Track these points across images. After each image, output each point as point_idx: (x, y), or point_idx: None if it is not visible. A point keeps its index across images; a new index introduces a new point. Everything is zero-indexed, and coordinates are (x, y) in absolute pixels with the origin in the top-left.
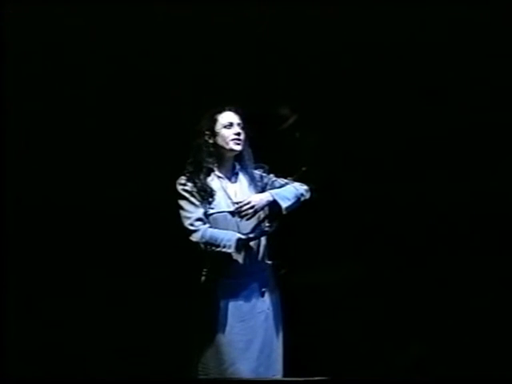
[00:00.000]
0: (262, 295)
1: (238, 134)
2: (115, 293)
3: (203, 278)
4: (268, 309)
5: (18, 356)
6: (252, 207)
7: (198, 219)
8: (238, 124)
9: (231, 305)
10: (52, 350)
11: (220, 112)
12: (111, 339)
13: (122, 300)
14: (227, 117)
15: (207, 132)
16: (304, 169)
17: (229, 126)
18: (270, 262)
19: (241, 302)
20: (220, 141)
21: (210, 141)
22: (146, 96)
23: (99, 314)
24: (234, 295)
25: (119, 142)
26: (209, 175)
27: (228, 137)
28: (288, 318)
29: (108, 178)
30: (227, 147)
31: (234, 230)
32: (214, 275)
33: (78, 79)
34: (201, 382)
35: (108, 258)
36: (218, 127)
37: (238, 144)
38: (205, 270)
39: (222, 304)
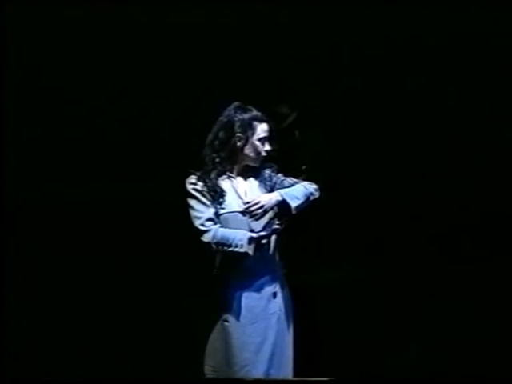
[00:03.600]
0: (274, 296)
1: (267, 151)
2: (123, 293)
3: (214, 279)
4: (280, 310)
5: (17, 356)
6: (261, 207)
7: (209, 219)
8: (269, 139)
9: (243, 306)
10: (52, 350)
11: (260, 121)
12: (119, 339)
13: (129, 301)
14: (265, 129)
15: (239, 135)
16: (304, 167)
17: (263, 140)
18: (281, 262)
19: (252, 304)
20: (249, 150)
21: (238, 144)
22: (149, 96)
23: (107, 315)
24: (246, 296)
25: (128, 141)
26: (220, 175)
27: (260, 152)
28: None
29: (116, 178)
30: (253, 158)
31: (245, 230)
32: (225, 276)
33: (80, 79)
34: (201, 382)
35: (117, 259)
36: (254, 137)
37: (263, 160)
38: (215, 271)
39: (233, 306)
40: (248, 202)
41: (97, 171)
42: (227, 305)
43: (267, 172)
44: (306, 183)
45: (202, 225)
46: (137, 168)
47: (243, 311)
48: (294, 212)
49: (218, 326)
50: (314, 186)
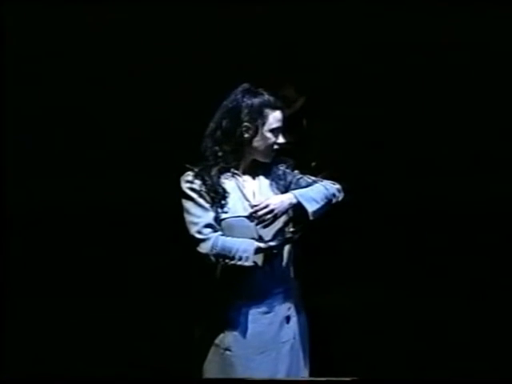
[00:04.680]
0: (287, 321)
1: (280, 144)
2: (123, 294)
3: (214, 299)
4: (294, 338)
5: (17, 356)
6: (271, 211)
7: (208, 225)
8: (283, 130)
9: (249, 333)
10: (52, 350)
11: (273, 108)
12: (119, 340)
13: (129, 301)
14: (277, 118)
15: (247, 124)
16: (313, 164)
17: (276, 131)
18: (296, 279)
19: (261, 330)
20: (258, 143)
21: (246, 135)
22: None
23: (107, 315)
24: (253, 321)
25: (128, 140)
26: (223, 173)
27: (271, 144)
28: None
29: (116, 178)
30: (263, 152)
31: (252, 238)
32: (228, 296)
33: (81, 78)
34: (201, 382)
35: (117, 260)
36: (265, 127)
37: (274, 155)
38: (216, 289)
39: (236, 332)
40: (256, 205)
41: (97, 171)
42: (229, 330)
43: (281, 169)
44: (327, 183)
45: (199, 232)
46: (137, 168)
47: (249, 338)
48: (311, 218)
49: (217, 356)
50: (337, 187)
